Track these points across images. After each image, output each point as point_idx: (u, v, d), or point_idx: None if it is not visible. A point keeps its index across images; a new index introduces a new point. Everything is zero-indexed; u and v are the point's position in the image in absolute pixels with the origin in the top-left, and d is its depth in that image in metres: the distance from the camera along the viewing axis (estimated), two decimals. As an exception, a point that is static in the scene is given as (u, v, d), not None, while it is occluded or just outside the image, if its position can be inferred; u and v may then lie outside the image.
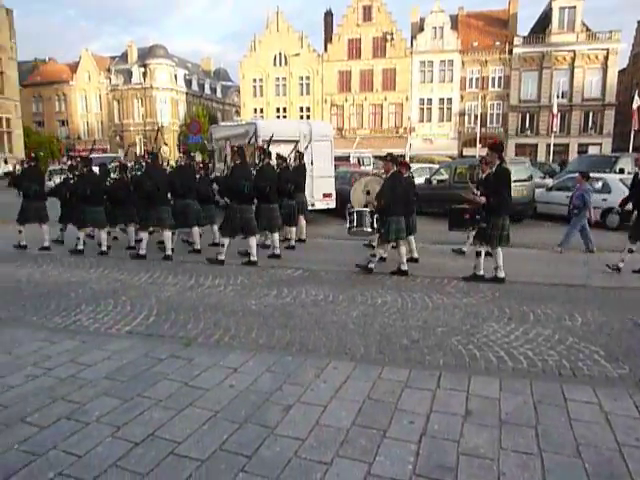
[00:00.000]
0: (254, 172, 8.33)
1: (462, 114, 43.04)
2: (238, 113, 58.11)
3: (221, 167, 14.76)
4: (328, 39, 45.65)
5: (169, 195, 8.82)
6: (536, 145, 40.75)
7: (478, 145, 36.44)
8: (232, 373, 3.70)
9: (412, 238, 8.31)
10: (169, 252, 8.34)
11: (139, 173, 9.79)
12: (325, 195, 12.99)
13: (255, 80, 48.27)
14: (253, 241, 8.00)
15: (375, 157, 30.65)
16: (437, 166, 18.55)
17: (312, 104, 46.64)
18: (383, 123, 44.92)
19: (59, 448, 2.73)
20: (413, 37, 43.38)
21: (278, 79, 47.60)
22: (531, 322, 4.99)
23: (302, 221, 10.40)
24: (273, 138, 12.14)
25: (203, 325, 4.93)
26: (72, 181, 9.54)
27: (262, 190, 8.17)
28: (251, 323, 4.97)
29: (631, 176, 8.90)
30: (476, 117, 40.29)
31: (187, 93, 59.40)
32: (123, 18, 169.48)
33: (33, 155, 10.26)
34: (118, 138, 56.64)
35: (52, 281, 6.83)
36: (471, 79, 42.63)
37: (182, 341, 4.44)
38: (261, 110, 48.14)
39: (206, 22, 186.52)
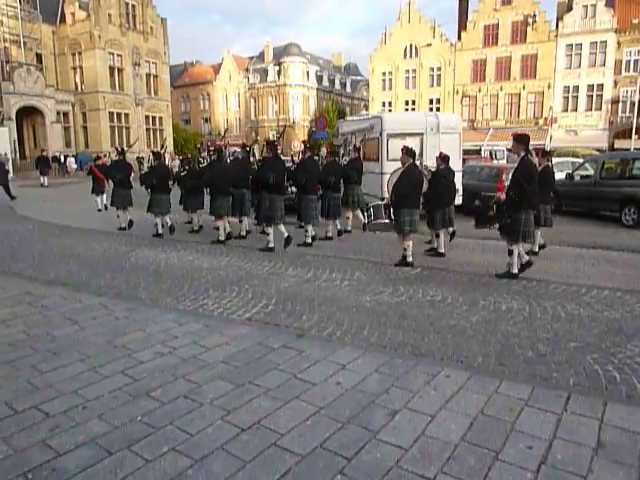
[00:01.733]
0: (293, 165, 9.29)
1: (615, 102, 38.32)
2: (366, 107, 58.29)
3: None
4: (462, 27, 43.64)
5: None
6: None
7: (634, 136, 32.28)
8: (340, 370, 3.66)
9: (442, 232, 8.34)
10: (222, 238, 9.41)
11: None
12: (451, 190, 12.43)
13: (384, 73, 47.96)
14: (282, 227, 8.66)
15: (509, 150, 28.72)
16: (581, 160, 16.76)
17: (442, 95, 45.06)
18: (520, 114, 41.83)
19: (175, 424, 2.93)
20: (559, 18, 39.60)
21: (408, 71, 46.76)
22: (690, 345, 4.24)
23: (348, 213, 10.48)
24: (398, 132, 11.95)
25: (317, 318, 4.98)
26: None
27: (299, 181, 9.03)
28: (364, 320, 4.91)
29: None
30: (632, 105, 35.65)
31: (318, 89, 61.07)
32: (262, 20, 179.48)
33: (120, 149, 11.88)
34: (254, 134, 60.23)
35: (186, 266, 7.44)
36: (628, 62, 37.68)
37: (295, 332, 4.52)
38: (389, 103, 47.75)
39: (338, 18, 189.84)
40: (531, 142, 6.66)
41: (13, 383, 3.49)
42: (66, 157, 36.11)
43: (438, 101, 45.39)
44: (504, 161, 24.22)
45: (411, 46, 46.01)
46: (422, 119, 12.61)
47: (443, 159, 8.60)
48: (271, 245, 8.55)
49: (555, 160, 20.84)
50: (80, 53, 40.19)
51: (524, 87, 41.21)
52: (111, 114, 41.05)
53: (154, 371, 3.65)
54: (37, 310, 5.14)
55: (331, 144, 9.83)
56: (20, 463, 2.59)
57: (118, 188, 10.91)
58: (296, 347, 4.09)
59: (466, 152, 16.79)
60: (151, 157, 11.18)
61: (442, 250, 8.22)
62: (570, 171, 14.39)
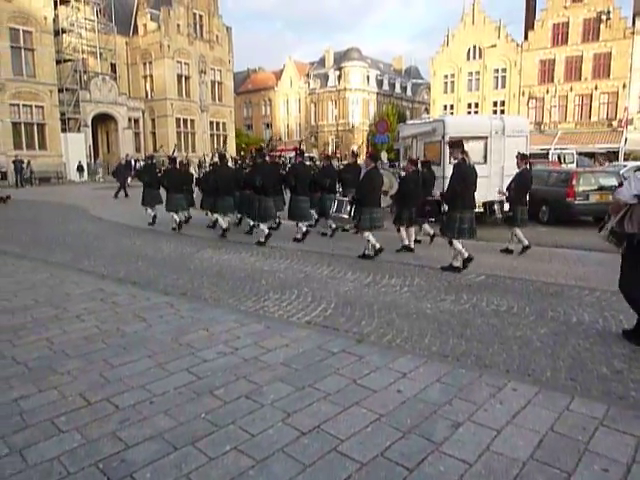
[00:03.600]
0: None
1: (700, 101, 35.61)
2: (427, 111, 57.44)
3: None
4: (529, 26, 42.09)
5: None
6: None
7: None
8: (401, 378, 3.60)
9: (410, 229, 8.93)
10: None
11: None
12: (516, 196, 11.97)
13: (446, 76, 47.11)
14: (264, 226, 9.73)
15: (580, 154, 27.29)
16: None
17: (507, 98, 43.63)
18: (592, 115, 39.76)
19: (236, 424, 2.98)
20: (635, 14, 37.30)
21: (471, 73, 45.68)
22: None
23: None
24: (461, 135, 11.71)
25: (376, 324, 4.93)
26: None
27: (290, 184, 10.01)
28: (425, 327, 4.80)
29: None
30: None
31: (378, 93, 60.87)
32: (323, 26, 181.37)
33: (149, 155, 13.65)
34: (313, 138, 60.88)
35: (248, 268, 7.60)
36: None
37: (355, 337, 4.50)
38: (451, 107, 46.81)
39: (398, 22, 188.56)
40: (603, 145, 6.39)
41: (87, 375, 3.69)
42: (136, 161, 38.05)
43: (503, 103, 44.01)
44: (574, 165, 23.05)
45: (475, 47, 44.93)
46: (486, 122, 12.24)
47: (414, 163, 9.20)
48: (262, 240, 9.65)
49: (630, 164, 19.60)
50: (150, 62, 42.27)
51: (596, 87, 39.16)
52: (178, 120, 42.85)
53: (217, 370, 3.74)
54: (108, 306, 5.41)
55: (324, 151, 11.08)
56: (92, 453, 2.72)
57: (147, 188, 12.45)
58: (356, 352, 4.06)
59: (533, 156, 16.12)
60: (208, 160, 12.46)
61: (411, 245, 8.59)
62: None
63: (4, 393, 3.42)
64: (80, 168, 33.16)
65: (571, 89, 40.27)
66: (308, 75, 61.97)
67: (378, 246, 8.13)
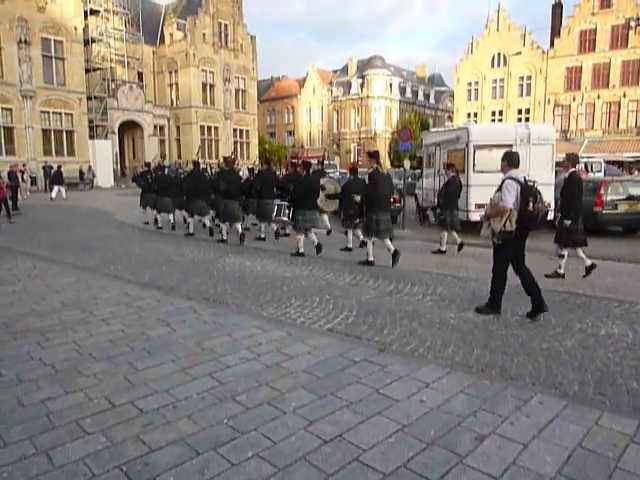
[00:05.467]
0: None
1: None
2: (450, 118, 57.09)
3: (430, 173, 14.63)
4: (555, 33, 41.57)
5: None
6: None
7: None
8: (424, 388, 3.55)
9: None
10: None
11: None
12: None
13: (470, 83, 46.80)
14: (238, 226, 10.84)
15: (608, 162, 26.71)
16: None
17: (532, 105, 43.09)
18: (620, 123, 38.96)
19: (259, 430, 2.98)
20: (667, 20, 36.55)
21: (495, 81, 45.28)
22: None
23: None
24: (485, 143, 11.67)
25: (399, 332, 4.89)
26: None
27: (256, 189, 11.11)
28: (448, 337, 4.74)
29: None
30: None
31: (401, 100, 60.76)
32: (346, 34, 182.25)
33: (146, 162, 15.35)
34: (335, 146, 61.02)
35: (270, 274, 7.63)
36: None
37: (377, 346, 4.46)
38: (475, 114, 46.42)
39: (422, 30, 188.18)
40: (632, 153, 6.30)
41: (112, 378, 3.74)
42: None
43: (527, 111, 43.47)
44: (601, 174, 22.57)
45: (499, 55, 44.57)
46: (511, 130, 12.10)
47: (352, 170, 9.94)
48: (224, 238, 10.85)
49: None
50: (176, 71, 43.04)
51: (625, 95, 38.40)
52: (202, 127, 43.45)
53: (239, 376, 3.75)
54: (133, 311, 5.50)
55: (292, 159, 11.94)
56: (116, 455, 2.75)
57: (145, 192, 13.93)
58: (378, 362, 4.03)
59: (559, 164, 15.82)
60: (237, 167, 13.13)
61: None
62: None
63: (32, 394, 3.49)
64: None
65: (598, 97, 39.55)
66: (331, 83, 62.23)
67: (316, 242, 9.21)
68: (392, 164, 48.39)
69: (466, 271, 7.90)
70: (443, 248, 9.64)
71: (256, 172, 12.68)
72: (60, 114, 33.15)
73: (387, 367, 3.92)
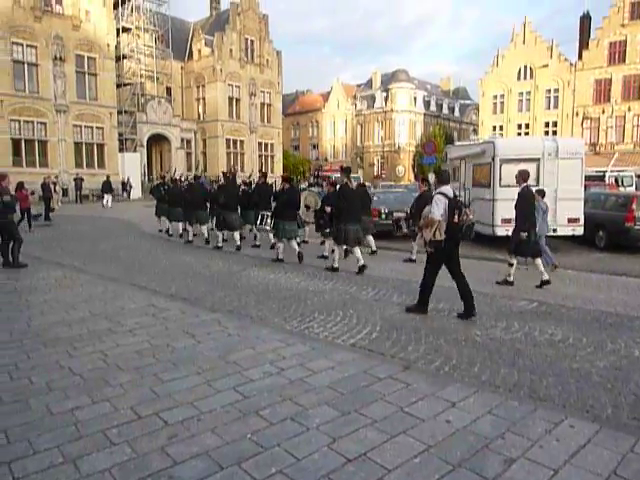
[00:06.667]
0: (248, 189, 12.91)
1: None
2: (475, 131, 56.64)
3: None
4: (583, 45, 41.04)
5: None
6: None
7: None
8: (450, 407, 3.49)
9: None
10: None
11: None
12: (570, 220, 11.53)
13: (496, 96, 46.48)
14: (237, 235, 11.73)
15: (639, 176, 26.04)
16: None
17: (560, 118, 42.48)
18: (652, 136, 38.03)
19: (282, 446, 2.96)
20: (701, 32, 35.73)
21: (521, 94, 44.86)
22: None
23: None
24: (512, 157, 11.60)
25: (424, 349, 4.82)
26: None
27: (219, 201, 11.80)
28: (474, 355, 4.66)
29: None
30: None
31: (425, 114, 60.62)
32: (370, 49, 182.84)
33: (162, 175, 16.42)
34: (359, 159, 61.12)
35: (293, 287, 7.64)
36: None
37: (402, 363, 4.41)
38: (500, 127, 45.99)
39: (446, 44, 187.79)
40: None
41: (138, 389, 3.79)
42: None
43: (555, 124, 42.87)
44: (632, 188, 22.02)
45: (525, 67, 44.21)
46: (539, 144, 11.92)
47: (332, 184, 10.50)
48: (219, 244, 11.82)
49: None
50: (203, 85, 43.88)
51: (657, 107, 37.51)
52: (228, 141, 44.08)
53: (263, 390, 3.75)
54: (159, 322, 5.57)
55: (316, 171, 12.39)
56: (141, 467, 2.77)
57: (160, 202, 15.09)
58: (402, 379, 3.97)
59: (588, 178, 15.51)
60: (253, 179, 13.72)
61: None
62: None
63: (61, 403, 3.56)
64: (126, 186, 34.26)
65: (629, 109, 38.76)
66: (355, 97, 62.53)
67: (282, 256, 9.92)
68: (416, 177, 48.17)
69: (491, 287, 7.77)
70: (413, 257, 10.19)
71: (254, 185, 13.51)
72: (91, 128, 34.07)
73: (412, 385, 3.86)
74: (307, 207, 10.67)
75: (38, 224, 16.45)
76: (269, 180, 14.57)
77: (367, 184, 17.59)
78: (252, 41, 45.10)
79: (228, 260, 10.29)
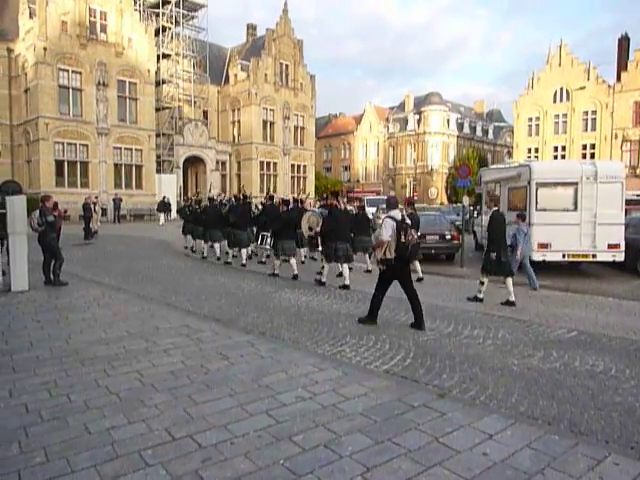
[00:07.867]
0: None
1: None
2: (510, 154, 55.98)
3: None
4: (622, 67, 40.25)
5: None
6: None
7: None
8: (487, 439, 3.39)
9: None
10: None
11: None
12: (610, 246, 11.17)
13: (531, 119, 45.92)
14: (244, 252, 12.75)
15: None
16: None
17: (598, 140, 41.55)
18: (696, 159, 36.70)
19: (315, 474, 2.93)
20: None
21: (557, 116, 44.18)
22: None
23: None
24: (549, 181, 11.47)
25: (458, 378, 4.73)
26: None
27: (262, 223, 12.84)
28: (511, 385, 4.53)
29: None
30: None
31: (458, 136, 60.28)
32: (403, 72, 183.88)
33: (187, 197, 16.86)
34: (390, 181, 61.07)
35: (325, 310, 7.63)
36: None
37: (436, 391, 4.33)
38: (536, 150, 45.30)
39: (479, 66, 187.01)
40: None
41: (172, 410, 3.83)
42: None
43: (593, 146, 41.96)
44: (677, 212, 21.19)
45: (562, 89, 43.62)
46: (577, 167, 11.67)
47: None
48: (229, 260, 13.05)
49: None
50: (239, 109, 44.95)
51: (701, 129, 36.27)
52: (262, 163, 44.83)
53: (295, 415, 3.73)
54: (193, 342, 5.64)
55: (347, 193, 13.06)
56: (176, 489, 2.79)
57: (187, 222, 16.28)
58: (437, 408, 3.90)
59: (628, 202, 15.03)
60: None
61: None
62: None
63: (98, 422, 3.63)
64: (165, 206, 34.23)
65: (671, 131, 37.61)
66: (387, 119, 62.81)
67: (277, 271, 10.89)
68: (449, 199, 47.70)
69: (529, 314, 7.57)
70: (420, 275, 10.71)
71: (261, 207, 14.23)
72: (131, 150, 35.28)
73: (447, 414, 3.78)
74: (310, 228, 10.79)
75: (78, 243, 17.02)
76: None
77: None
78: (287, 65, 46.10)
79: (261, 281, 10.38)
